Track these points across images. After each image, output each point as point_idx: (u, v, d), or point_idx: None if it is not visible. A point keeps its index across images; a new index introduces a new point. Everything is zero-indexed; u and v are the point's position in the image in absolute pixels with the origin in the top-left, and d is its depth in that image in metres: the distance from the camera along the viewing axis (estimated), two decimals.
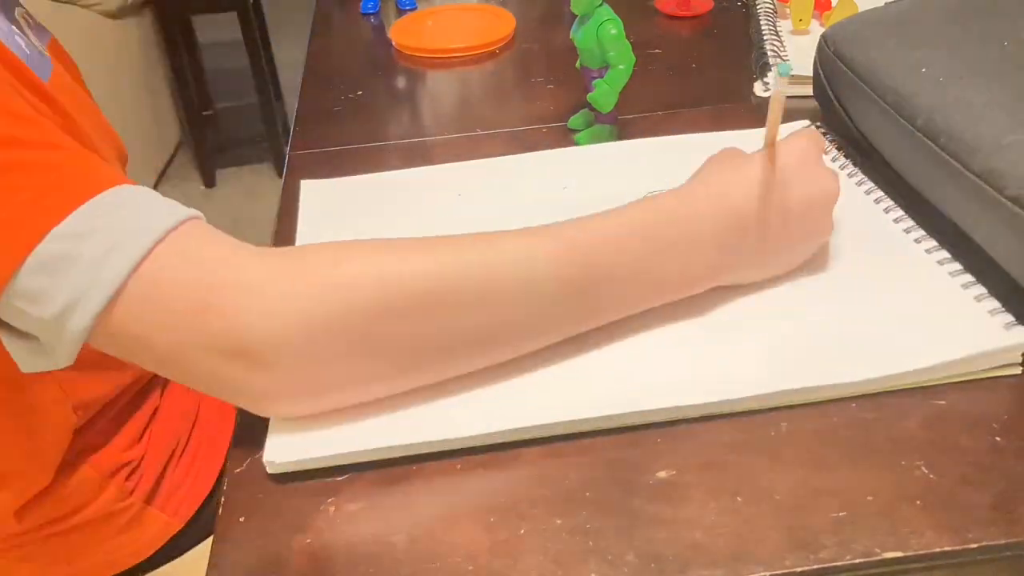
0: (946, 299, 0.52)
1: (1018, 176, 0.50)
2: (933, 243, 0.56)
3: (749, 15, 0.93)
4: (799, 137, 0.53)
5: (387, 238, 0.47)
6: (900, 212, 0.59)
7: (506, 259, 0.46)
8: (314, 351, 0.44)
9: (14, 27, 0.56)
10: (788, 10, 0.87)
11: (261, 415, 0.47)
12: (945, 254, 0.55)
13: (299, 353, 0.43)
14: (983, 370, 0.49)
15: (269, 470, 0.46)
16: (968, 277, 0.53)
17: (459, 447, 0.47)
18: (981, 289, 0.52)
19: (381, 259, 0.45)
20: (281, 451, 0.46)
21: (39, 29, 0.62)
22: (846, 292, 0.54)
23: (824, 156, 0.53)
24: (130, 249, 0.42)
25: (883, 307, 0.52)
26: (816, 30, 0.85)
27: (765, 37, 0.85)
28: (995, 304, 0.51)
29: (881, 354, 0.49)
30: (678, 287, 0.52)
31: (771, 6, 0.90)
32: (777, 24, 0.87)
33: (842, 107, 0.67)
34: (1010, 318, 0.50)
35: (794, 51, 0.82)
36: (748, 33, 0.90)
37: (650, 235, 0.49)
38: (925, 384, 0.48)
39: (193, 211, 0.46)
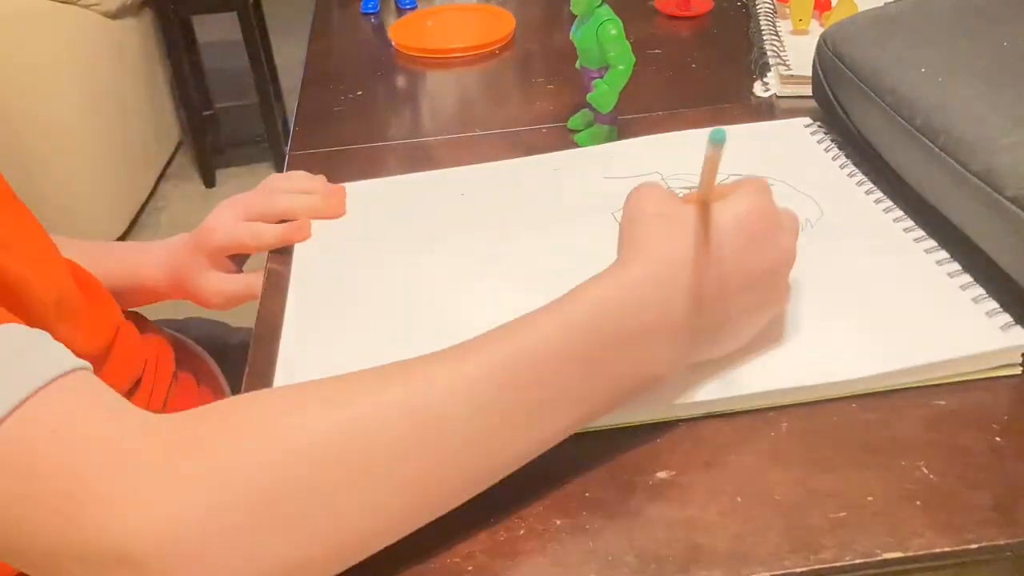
0: (944, 300, 0.52)
1: (1018, 176, 0.50)
2: (932, 243, 0.56)
3: (749, 15, 0.93)
4: (745, 199, 0.45)
5: (298, 385, 0.40)
6: (899, 212, 0.59)
7: (442, 394, 0.39)
8: (213, 551, 0.35)
9: None
10: (788, 10, 0.87)
11: None
12: (944, 254, 0.55)
13: (194, 557, 0.35)
14: (982, 370, 0.49)
15: None
16: (967, 278, 0.53)
17: None
18: (979, 290, 0.52)
19: (283, 427, 0.38)
20: None
21: None
22: (844, 292, 0.54)
23: (775, 210, 0.47)
24: None
25: (880, 307, 0.52)
26: (816, 30, 0.85)
27: (765, 37, 0.85)
28: (993, 305, 0.51)
29: (877, 353, 0.49)
30: (632, 390, 0.44)
31: (771, 6, 0.90)
32: (777, 24, 0.87)
33: (841, 107, 0.67)
34: (1008, 319, 0.50)
35: (794, 51, 0.82)
36: (748, 33, 0.90)
37: (595, 346, 0.42)
38: (922, 384, 0.48)
39: (78, 362, 0.39)
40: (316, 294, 0.58)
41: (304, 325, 0.56)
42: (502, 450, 0.41)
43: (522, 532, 0.43)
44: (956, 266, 0.54)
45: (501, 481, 0.44)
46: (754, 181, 0.47)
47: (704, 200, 0.44)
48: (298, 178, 0.68)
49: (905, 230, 0.58)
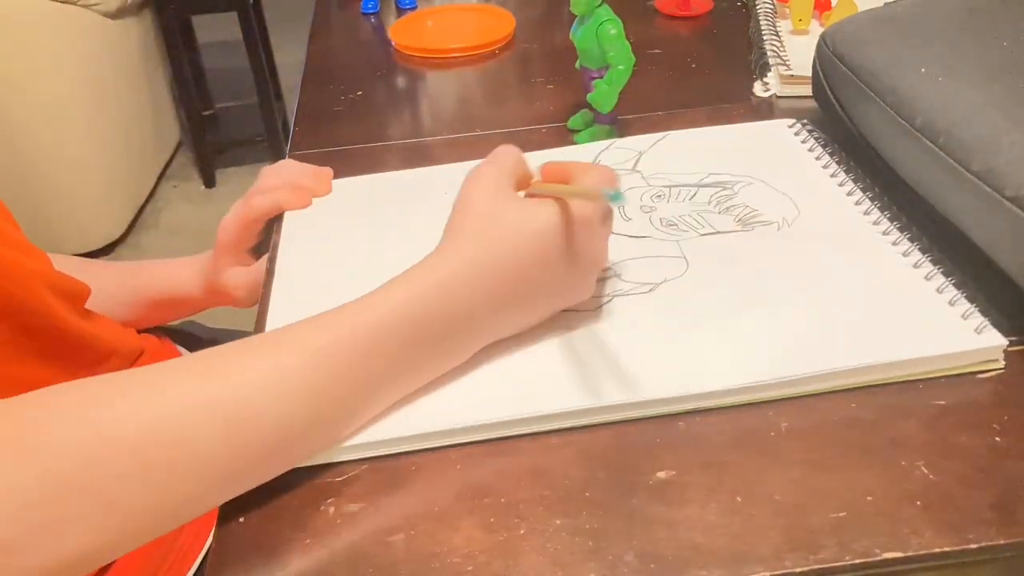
0: (918, 301, 0.52)
1: (1017, 176, 0.50)
2: (909, 245, 0.56)
3: (749, 15, 0.93)
4: (565, 212, 0.48)
5: (106, 376, 0.41)
6: (878, 214, 0.59)
7: (253, 388, 0.41)
8: (16, 531, 0.36)
9: None
10: (788, 10, 0.87)
11: None
12: (919, 256, 0.55)
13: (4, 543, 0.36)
14: (960, 367, 0.49)
15: None
16: (942, 280, 0.53)
17: (453, 441, 0.47)
18: (955, 292, 0.52)
19: (95, 413, 0.39)
20: None
21: None
22: (814, 291, 0.54)
23: (594, 219, 0.49)
24: None
25: (851, 306, 0.52)
26: (816, 30, 0.85)
27: (765, 37, 0.85)
28: (968, 307, 0.51)
29: (851, 348, 0.49)
30: (447, 363, 0.48)
31: (771, 6, 0.90)
32: (777, 24, 0.87)
33: (841, 107, 0.67)
34: (982, 321, 0.50)
35: (794, 51, 0.82)
36: (748, 33, 0.90)
37: (411, 331, 0.45)
38: (899, 380, 0.49)
39: None
40: (297, 290, 0.58)
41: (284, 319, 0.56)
42: (320, 435, 0.44)
43: (522, 532, 0.43)
44: (932, 268, 0.54)
45: (501, 481, 0.45)
46: (598, 174, 0.50)
47: (539, 194, 0.49)
48: (287, 169, 0.70)
49: (883, 232, 0.58)
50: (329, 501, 0.45)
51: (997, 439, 0.45)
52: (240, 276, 0.73)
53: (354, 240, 0.62)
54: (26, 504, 0.36)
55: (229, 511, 0.44)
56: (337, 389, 0.43)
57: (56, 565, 0.37)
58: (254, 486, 0.43)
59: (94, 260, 0.77)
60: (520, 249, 0.47)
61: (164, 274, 0.78)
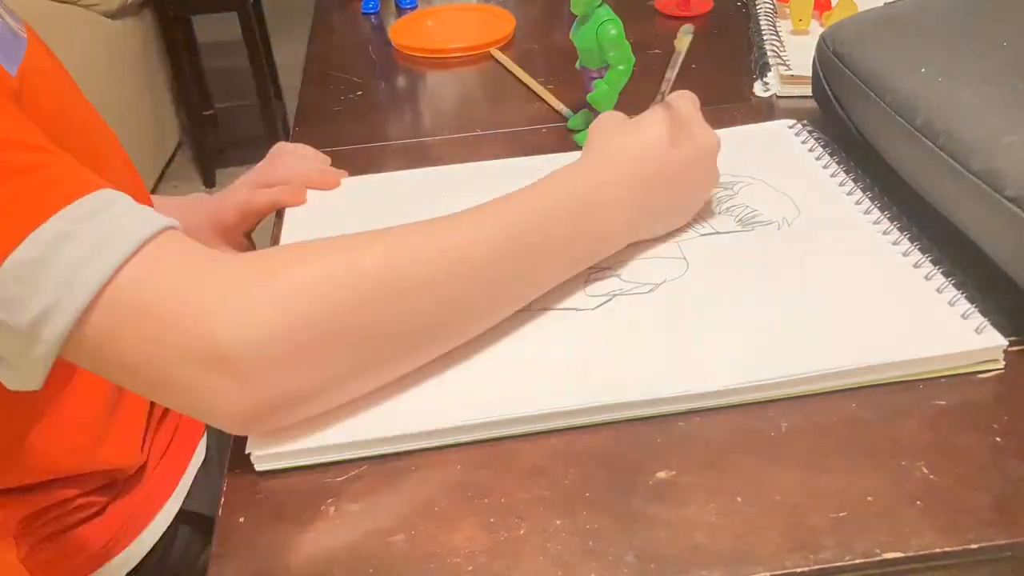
0: (919, 301, 0.52)
1: (1018, 176, 0.50)
2: (909, 245, 0.56)
3: (749, 15, 0.93)
4: (679, 99, 0.59)
5: (342, 234, 0.48)
6: (878, 214, 0.59)
7: (449, 245, 0.49)
8: (292, 354, 0.43)
9: None
10: (788, 10, 0.87)
11: (235, 433, 0.47)
12: (919, 256, 0.55)
13: (277, 358, 0.43)
14: (961, 367, 0.49)
15: (257, 466, 0.46)
16: (942, 280, 0.53)
17: (453, 440, 0.47)
18: (955, 292, 0.52)
19: (342, 256, 0.46)
20: (264, 443, 0.46)
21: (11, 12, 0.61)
22: (816, 291, 0.54)
23: (698, 113, 0.59)
24: (106, 257, 0.42)
25: (853, 305, 0.53)
26: (816, 30, 0.85)
27: (765, 37, 0.85)
28: (968, 307, 0.51)
29: (852, 347, 0.49)
30: (601, 248, 0.56)
31: (771, 6, 0.90)
32: (777, 24, 0.87)
33: (841, 107, 0.67)
34: (982, 321, 0.50)
35: (794, 51, 0.81)
36: (748, 33, 0.90)
37: (571, 208, 0.53)
38: (899, 380, 0.49)
39: (169, 220, 0.46)
40: None
41: None
42: (515, 283, 0.52)
43: (522, 532, 0.43)
44: (932, 268, 0.54)
45: (501, 481, 0.45)
46: (684, 92, 0.60)
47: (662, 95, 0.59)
48: (300, 160, 0.72)
49: (883, 232, 0.58)
50: (329, 501, 0.45)
51: (997, 439, 0.45)
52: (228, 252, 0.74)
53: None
54: (296, 327, 0.43)
55: (229, 511, 0.45)
56: (518, 253, 0.51)
57: (321, 381, 0.45)
58: (471, 328, 0.51)
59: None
60: (649, 136, 0.57)
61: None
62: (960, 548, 0.40)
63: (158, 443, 0.71)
